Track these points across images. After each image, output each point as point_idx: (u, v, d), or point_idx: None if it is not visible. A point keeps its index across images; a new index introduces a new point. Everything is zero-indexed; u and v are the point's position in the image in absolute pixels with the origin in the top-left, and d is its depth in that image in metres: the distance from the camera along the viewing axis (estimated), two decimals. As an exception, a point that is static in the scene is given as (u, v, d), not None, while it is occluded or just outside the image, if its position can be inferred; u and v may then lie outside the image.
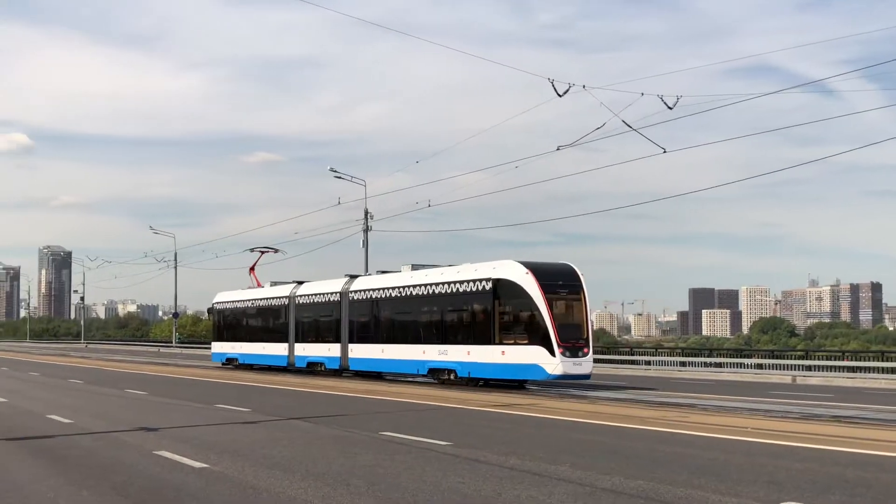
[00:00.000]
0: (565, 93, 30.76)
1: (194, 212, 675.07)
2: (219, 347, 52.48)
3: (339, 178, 59.73)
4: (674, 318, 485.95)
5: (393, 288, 37.62)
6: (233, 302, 51.74)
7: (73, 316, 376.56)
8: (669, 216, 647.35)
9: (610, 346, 77.90)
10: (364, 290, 39.47)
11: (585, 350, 30.91)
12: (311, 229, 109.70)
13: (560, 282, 31.60)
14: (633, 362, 52.18)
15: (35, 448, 15.93)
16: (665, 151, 32.71)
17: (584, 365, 30.77)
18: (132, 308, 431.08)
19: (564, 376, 30.56)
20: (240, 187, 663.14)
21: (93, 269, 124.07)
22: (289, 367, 44.67)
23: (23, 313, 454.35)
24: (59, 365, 55.51)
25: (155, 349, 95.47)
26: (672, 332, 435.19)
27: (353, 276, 41.86)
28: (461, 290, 33.71)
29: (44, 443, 16.61)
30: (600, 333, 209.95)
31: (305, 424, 19.34)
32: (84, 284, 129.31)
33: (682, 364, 50.24)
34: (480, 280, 32.86)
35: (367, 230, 58.80)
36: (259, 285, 52.04)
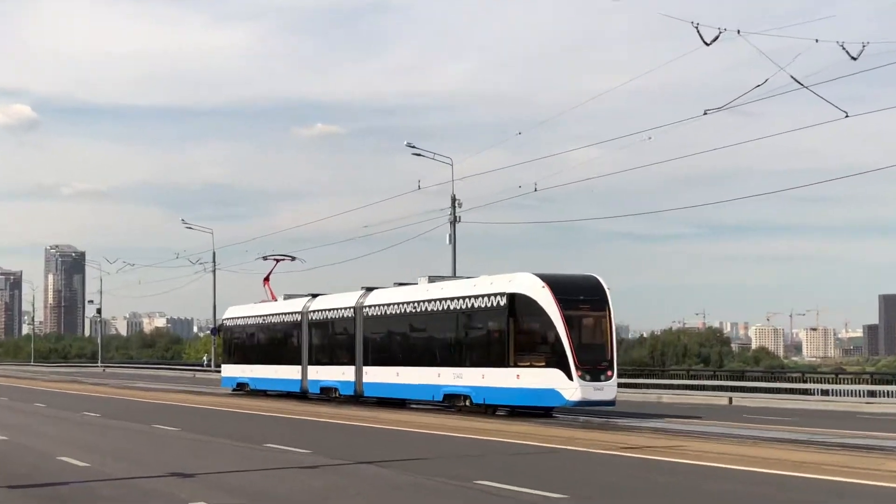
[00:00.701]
0: (714, 41, 30.28)
1: (237, 201, 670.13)
2: (229, 371, 56.69)
3: (419, 155, 60.46)
4: (859, 332, 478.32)
5: (407, 303, 41.61)
6: (244, 318, 55.78)
7: (87, 332, 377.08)
8: (852, 199, 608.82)
9: (774, 371, 76.97)
10: (378, 306, 43.38)
11: (609, 373, 34.40)
12: (384, 221, 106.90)
13: (581, 296, 35.15)
14: (805, 391, 51.39)
15: (44, 499, 16.15)
16: (847, 116, 32.39)
17: (607, 390, 34.23)
18: (160, 322, 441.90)
19: (584, 402, 33.99)
20: (294, 168, 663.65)
21: (111, 273, 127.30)
22: (303, 394, 48.45)
23: (25, 329, 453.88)
24: (71, 394, 56.64)
25: (189, 373, 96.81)
26: (856, 351, 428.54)
27: (370, 289, 45.27)
28: (476, 305, 37.43)
29: (55, 492, 16.81)
30: (761, 354, 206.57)
31: (375, 469, 19.59)
32: (101, 293, 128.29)
33: (871, 394, 49.29)
34: (495, 295, 36.44)
35: (454, 222, 59.11)
36: (273, 298, 56.06)
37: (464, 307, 38.07)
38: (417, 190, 60.93)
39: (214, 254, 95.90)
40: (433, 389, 38.99)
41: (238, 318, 56.44)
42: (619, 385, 36.80)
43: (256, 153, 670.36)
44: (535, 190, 52.58)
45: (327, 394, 46.46)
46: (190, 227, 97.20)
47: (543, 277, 35.13)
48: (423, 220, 65.22)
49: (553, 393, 34.19)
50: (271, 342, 52.65)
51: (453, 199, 59.61)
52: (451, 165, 60.04)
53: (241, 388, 54.46)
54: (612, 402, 34.75)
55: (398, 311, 42.12)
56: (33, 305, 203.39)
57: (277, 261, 61.55)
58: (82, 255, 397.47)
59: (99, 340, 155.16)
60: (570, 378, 33.77)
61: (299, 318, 49.28)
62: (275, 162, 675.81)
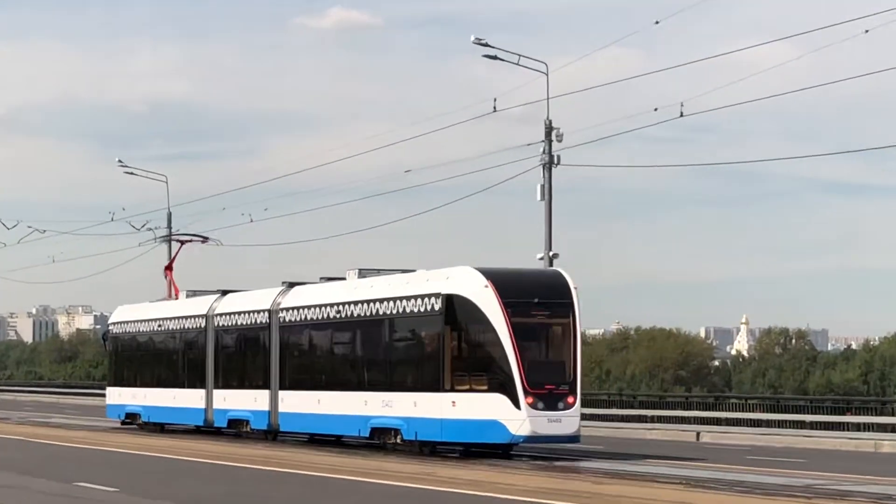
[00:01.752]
0: None
1: (205, 131, 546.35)
2: (116, 396, 48.18)
3: (493, 58, 45.08)
4: None
5: (329, 306, 35.72)
6: (135, 323, 47.44)
7: None
8: None
9: None
10: (298, 309, 37.24)
11: (570, 399, 29.51)
12: (438, 164, 79.59)
13: (536, 299, 30.01)
14: None
15: None
16: None
17: (566, 422, 29.33)
18: (85, 322, 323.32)
19: (534, 438, 29.21)
20: (295, 80, 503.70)
21: (8, 245, 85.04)
22: (208, 426, 41.95)
23: None
24: None
25: None
26: None
27: (291, 285, 38.90)
28: (408, 310, 32.11)
29: None
30: None
31: None
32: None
33: None
34: (428, 296, 31.08)
35: (549, 164, 44.80)
36: (176, 294, 48.43)
37: (393, 312, 32.70)
38: (492, 113, 45.86)
39: (170, 214, 69.96)
40: (359, 422, 33.50)
41: (129, 322, 47.81)
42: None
43: (236, 57, 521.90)
44: (682, 115, 39.70)
45: (238, 427, 40.18)
46: (132, 173, 71.34)
47: (488, 273, 29.91)
48: (499, 163, 47.48)
49: (496, 426, 29.17)
50: (168, 357, 45.01)
51: (548, 129, 44.70)
52: (546, 75, 44.51)
53: (132, 420, 46.33)
54: (574, 438, 30.00)
55: (320, 317, 36.21)
56: None
57: (182, 242, 53.18)
58: None
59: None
60: (518, 406, 28.76)
61: (203, 324, 42.15)
62: (265, 70, 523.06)
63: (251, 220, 67.71)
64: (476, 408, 29.56)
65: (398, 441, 32.26)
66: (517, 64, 46.04)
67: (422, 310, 31.45)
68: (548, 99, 45.46)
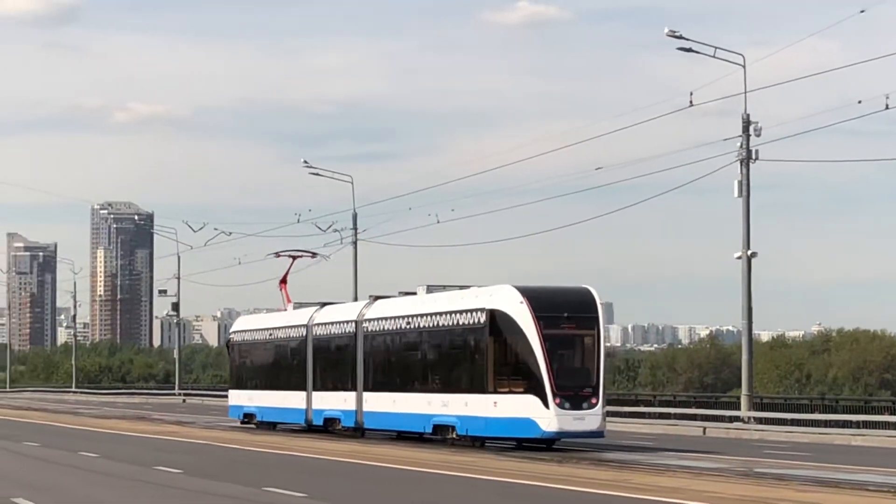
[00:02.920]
0: None
1: (390, 130, 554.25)
2: (236, 398, 53.56)
3: (688, 51, 45.44)
4: None
5: (401, 318, 41.10)
6: (251, 332, 53.16)
7: (155, 340, 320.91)
8: None
9: None
10: (378, 320, 42.34)
11: (593, 400, 34.30)
12: (630, 161, 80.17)
13: (565, 313, 34.94)
14: None
15: None
16: None
17: (589, 419, 34.12)
18: None
19: (561, 434, 34.37)
20: (482, 77, 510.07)
21: (194, 248, 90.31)
22: (308, 426, 46.57)
23: (63, 335, 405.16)
24: (135, 437, 48.98)
25: None
26: None
27: (376, 298, 44.21)
28: (460, 322, 37.35)
29: None
30: None
31: None
32: (178, 279, 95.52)
33: None
34: (475, 311, 36.36)
35: (747, 160, 45.10)
36: (289, 303, 52.60)
37: (449, 324, 38.08)
38: (687, 108, 45.98)
39: (356, 215, 71.91)
40: (424, 420, 38.82)
41: (247, 331, 54.03)
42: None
43: (422, 55, 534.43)
44: (887, 107, 38.82)
45: (332, 425, 45.21)
46: (317, 174, 73.09)
47: (525, 291, 35.06)
48: (694, 159, 45.83)
49: (528, 423, 34.18)
50: (277, 362, 50.52)
51: (746, 123, 44.99)
52: (743, 67, 44.98)
53: (249, 419, 51.57)
54: (598, 433, 35.01)
55: (394, 327, 41.64)
56: (74, 298, 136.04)
57: (294, 258, 56.57)
58: (149, 217, 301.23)
59: (176, 354, 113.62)
60: (547, 406, 33.65)
61: (304, 333, 47.47)
62: (452, 67, 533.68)
63: (437, 221, 67.95)
64: (513, 407, 34.50)
65: (454, 436, 37.08)
66: (713, 56, 45.66)
67: (471, 322, 36.66)
68: (745, 92, 45.12)
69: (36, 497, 23.69)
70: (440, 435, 38.10)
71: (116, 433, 49.45)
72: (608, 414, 39.11)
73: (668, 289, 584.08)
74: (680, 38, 45.71)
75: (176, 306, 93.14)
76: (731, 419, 50.96)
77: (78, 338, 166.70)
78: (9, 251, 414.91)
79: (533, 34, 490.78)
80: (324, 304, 48.19)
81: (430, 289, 40.70)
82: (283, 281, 55.32)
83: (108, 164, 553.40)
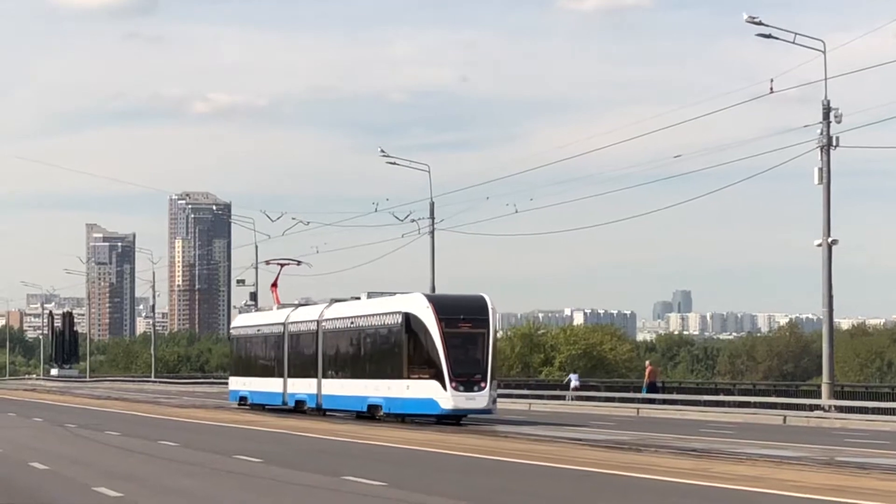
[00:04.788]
0: None
1: (466, 119, 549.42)
2: (234, 383, 62.66)
3: (768, 37, 44.77)
4: None
5: (346, 318, 50.01)
6: (245, 328, 62.95)
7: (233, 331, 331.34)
8: None
9: None
10: (331, 320, 51.11)
11: (482, 384, 42.35)
12: (710, 148, 78.00)
13: (461, 315, 43.05)
14: None
15: None
16: None
17: (479, 399, 42.27)
18: None
19: (456, 411, 42.61)
20: (559, 64, 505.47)
21: (272, 237, 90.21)
22: (282, 406, 55.21)
23: (141, 325, 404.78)
24: (213, 426, 49.60)
25: None
26: None
27: (335, 301, 52.98)
28: (385, 322, 45.95)
29: None
30: None
31: None
32: (256, 269, 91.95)
33: None
34: (395, 313, 44.90)
35: (827, 146, 44.75)
36: (278, 305, 61.55)
37: (378, 323, 46.72)
38: (767, 95, 45.49)
39: (433, 204, 71.37)
40: (361, 401, 47.39)
41: (242, 327, 63.93)
42: None
43: (498, 42, 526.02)
44: None
45: (300, 406, 53.17)
46: (393, 163, 72.74)
47: (430, 298, 44.60)
48: (773, 146, 45.63)
49: (432, 402, 42.45)
50: (263, 354, 58.97)
51: (826, 110, 44.46)
52: (823, 53, 44.49)
53: (243, 402, 60.17)
54: (487, 411, 43.12)
55: (342, 326, 50.16)
56: (153, 288, 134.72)
57: (282, 265, 65.22)
58: (226, 207, 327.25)
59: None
60: (445, 389, 41.88)
61: (282, 330, 55.80)
62: (528, 55, 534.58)
63: (516, 211, 67.77)
64: (421, 390, 42.79)
65: (382, 415, 45.51)
66: (793, 42, 45.05)
67: (392, 322, 45.18)
68: (825, 79, 44.43)
69: (117, 486, 23.61)
70: (371, 413, 46.53)
71: (196, 422, 49.74)
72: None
73: (748, 277, 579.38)
74: (759, 24, 45.14)
75: (254, 296, 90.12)
76: (812, 408, 50.45)
77: (157, 327, 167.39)
78: (88, 241, 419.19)
79: (610, 21, 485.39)
80: (298, 305, 57.43)
81: (371, 294, 49.57)
82: (274, 285, 64.89)
83: (187, 154, 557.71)
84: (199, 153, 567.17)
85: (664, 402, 58.81)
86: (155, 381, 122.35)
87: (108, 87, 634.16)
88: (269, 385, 56.67)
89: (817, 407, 50.02)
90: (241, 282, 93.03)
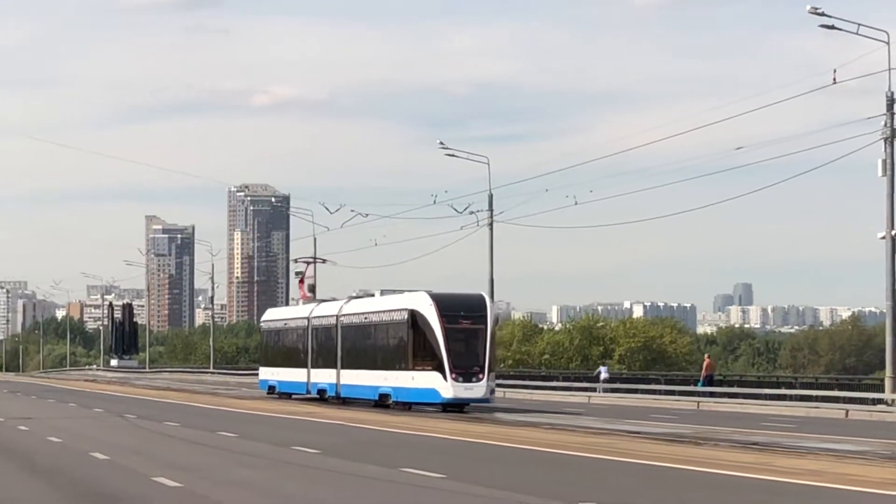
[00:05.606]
0: None
1: (525, 111, 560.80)
2: (263, 374, 66.64)
3: (830, 28, 44.20)
4: None
5: (360, 314, 53.98)
6: (274, 322, 66.99)
7: None
8: None
9: None
10: (348, 315, 55.14)
11: (480, 376, 45.72)
12: (772, 140, 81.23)
13: (462, 312, 46.57)
14: None
15: None
16: None
17: (476, 389, 45.62)
18: None
19: (456, 399, 45.83)
20: (620, 55, 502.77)
21: (331, 230, 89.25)
22: (305, 395, 59.40)
23: (201, 316, 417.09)
24: (282, 419, 49.56)
25: None
26: None
27: (352, 298, 57.98)
28: (394, 318, 49.37)
29: None
30: None
31: None
32: (315, 262, 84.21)
33: None
34: (402, 310, 48.43)
35: (891, 138, 44.18)
36: (305, 300, 67.44)
37: (388, 319, 50.15)
38: (829, 86, 45.24)
39: (491, 196, 70.94)
40: (374, 390, 50.89)
41: (271, 320, 67.69)
42: None
43: (557, 35, 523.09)
44: None
45: (322, 395, 57.19)
46: (453, 155, 72.53)
47: (433, 296, 47.00)
48: (835, 138, 45.61)
49: (434, 392, 45.92)
50: (289, 346, 62.92)
51: (890, 101, 44.08)
52: (887, 44, 43.91)
53: (272, 391, 63.88)
54: (484, 400, 46.34)
55: (357, 321, 54.02)
56: (212, 280, 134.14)
57: (308, 263, 71.04)
58: (285, 200, 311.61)
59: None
60: (446, 379, 45.31)
61: (306, 324, 59.75)
62: (588, 48, 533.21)
63: (575, 203, 67.59)
64: (425, 380, 46.31)
65: (392, 403, 48.97)
66: (856, 34, 44.67)
67: (399, 318, 48.69)
68: (889, 69, 44.09)
69: (176, 476, 23.71)
70: (382, 401, 49.90)
71: (255, 413, 49.74)
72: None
73: (809, 269, 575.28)
74: (822, 15, 44.80)
75: (312, 288, 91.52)
76: (875, 402, 50.04)
77: (215, 319, 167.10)
78: (147, 233, 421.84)
79: (669, 13, 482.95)
80: (321, 301, 61.57)
81: (384, 292, 53.43)
82: (301, 281, 70.04)
83: (246, 147, 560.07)
84: (259, 145, 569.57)
85: (725, 395, 58.51)
86: (213, 372, 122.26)
87: (169, 80, 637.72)
88: (295, 375, 60.56)
89: (880, 401, 49.63)
90: (299, 273, 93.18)
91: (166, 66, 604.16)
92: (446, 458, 28.14)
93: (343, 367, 54.93)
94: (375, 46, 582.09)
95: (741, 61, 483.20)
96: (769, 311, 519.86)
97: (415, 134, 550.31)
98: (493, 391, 47.67)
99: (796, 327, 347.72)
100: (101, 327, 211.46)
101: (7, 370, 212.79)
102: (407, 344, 47.73)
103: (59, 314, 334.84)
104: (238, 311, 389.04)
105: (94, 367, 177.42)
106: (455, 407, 46.48)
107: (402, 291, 51.78)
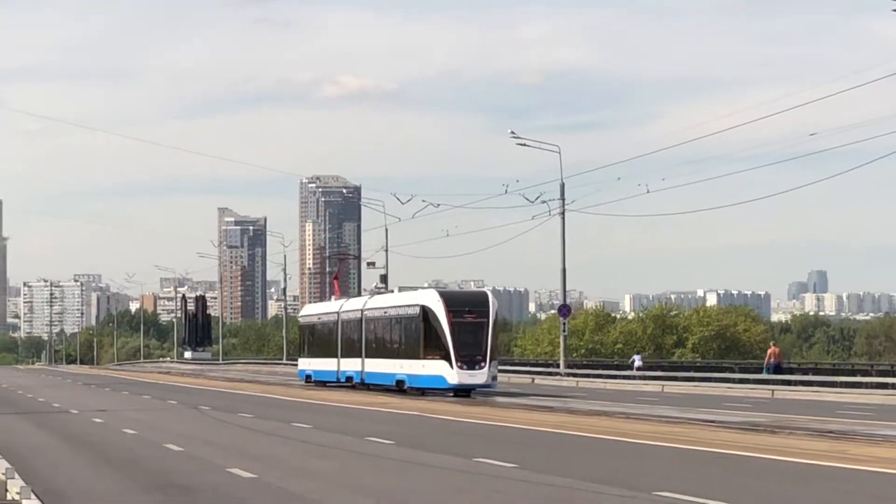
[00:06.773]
0: None
1: (598, 100, 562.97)
2: (302, 364, 73.43)
3: None
4: None
5: (380, 308, 59.65)
6: (310, 316, 74.25)
7: None
8: None
9: None
10: (371, 309, 60.72)
11: (482, 364, 50.81)
12: (845, 125, 76.67)
13: (467, 308, 52.06)
14: None
15: None
16: None
17: (479, 376, 50.78)
18: None
19: (461, 385, 50.94)
20: (693, 42, 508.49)
21: (402, 220, 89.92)
22: (335, 382, 65.04)
23: (272, 308, 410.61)
24: (355, 410, 49.24)
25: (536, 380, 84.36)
26: None
27: (374, 293, 65.35)
28: (408, 312, 55.04)
29: None
30: None
31: None
32: (386, 251, 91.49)
33: None
34: (414, 305, 54.18)
35: None
36: (338, 296, 75.82)
37: (403, 313, 55.95)
38: None
39: (563, 186, 70.68)
40: (391, 377, 56.25)
41: (308, 315, 75.54)
42: None
43: (628, 22, 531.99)
44: None
45: (349, 381, 62.70)
46: (524, 145, 72.29)
47: (442, 293, 53.79)
48: None
49: (441, 378, 51.28)
50: (322, 338, 68.76)
51: None
52: None
53: (308, 380, 70.07)
54: (487, 385, 51.73)
55: (378, 315, 59.56)
56: (284, 271, 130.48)
57: (341, 259, 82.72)
58: (356, 190, 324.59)
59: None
60: (452, 367, 50.63)
61: (336, 318, 65.63)
62: (658, 34, 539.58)
63: (647, 191, 67.37)
64: (433, 368, 51.60)
65: (408, 388, 54.06)
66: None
67: (412, 313, 54.26)
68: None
69: (251, 467, 23.92)
70: (398, 387, 55.16)
71: (328, 404, 49.87)
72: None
73: (886, 256, 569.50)
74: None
75: (384, 279, 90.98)
76: (953, 389, 49.57)
77: (288, 310, 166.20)
78: (220, 225, 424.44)
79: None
80: (349, 297, 69.12)
81: (401, 289, 61.19)
82: (336, 277, 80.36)
83: (317, 138, 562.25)
84: (329, 136, 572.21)
85: (799, 383, 58.07)
86: (286, 364, 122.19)
87: (237, 72, 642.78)
88: (327, 364, 66.33)
89: (959, 388, 49.07)
90: (371, 264, 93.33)
91: (233, 58, 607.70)
92: (520, 448, 28.12)
93: (367, 357, 60.24)
94: (445, 37, 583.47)
95: (819, 46, 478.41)
96: (844, 298, 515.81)
97: (485, 124, 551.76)
98: (495, 377, 52.50)
99: (872, 314, 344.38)
100: (174, 320, 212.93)
101: (81, 363, 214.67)
102: (419, 336, 53.10)
103: (133, 307, 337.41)
104: (310, 302, 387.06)
105: (168, 359, 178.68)
106: (462, 391, 51.35)
107: (415, 288, 58.86)
